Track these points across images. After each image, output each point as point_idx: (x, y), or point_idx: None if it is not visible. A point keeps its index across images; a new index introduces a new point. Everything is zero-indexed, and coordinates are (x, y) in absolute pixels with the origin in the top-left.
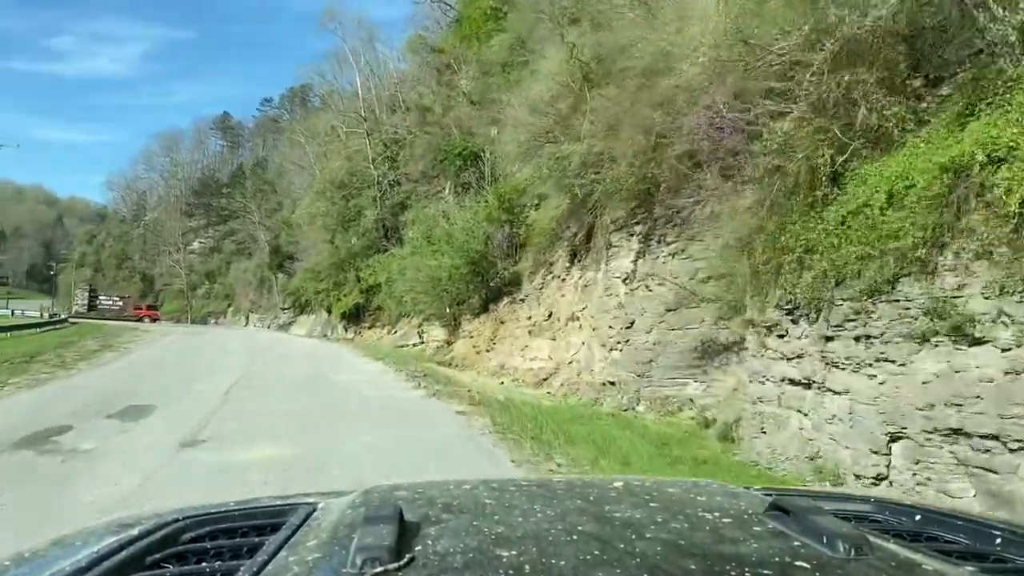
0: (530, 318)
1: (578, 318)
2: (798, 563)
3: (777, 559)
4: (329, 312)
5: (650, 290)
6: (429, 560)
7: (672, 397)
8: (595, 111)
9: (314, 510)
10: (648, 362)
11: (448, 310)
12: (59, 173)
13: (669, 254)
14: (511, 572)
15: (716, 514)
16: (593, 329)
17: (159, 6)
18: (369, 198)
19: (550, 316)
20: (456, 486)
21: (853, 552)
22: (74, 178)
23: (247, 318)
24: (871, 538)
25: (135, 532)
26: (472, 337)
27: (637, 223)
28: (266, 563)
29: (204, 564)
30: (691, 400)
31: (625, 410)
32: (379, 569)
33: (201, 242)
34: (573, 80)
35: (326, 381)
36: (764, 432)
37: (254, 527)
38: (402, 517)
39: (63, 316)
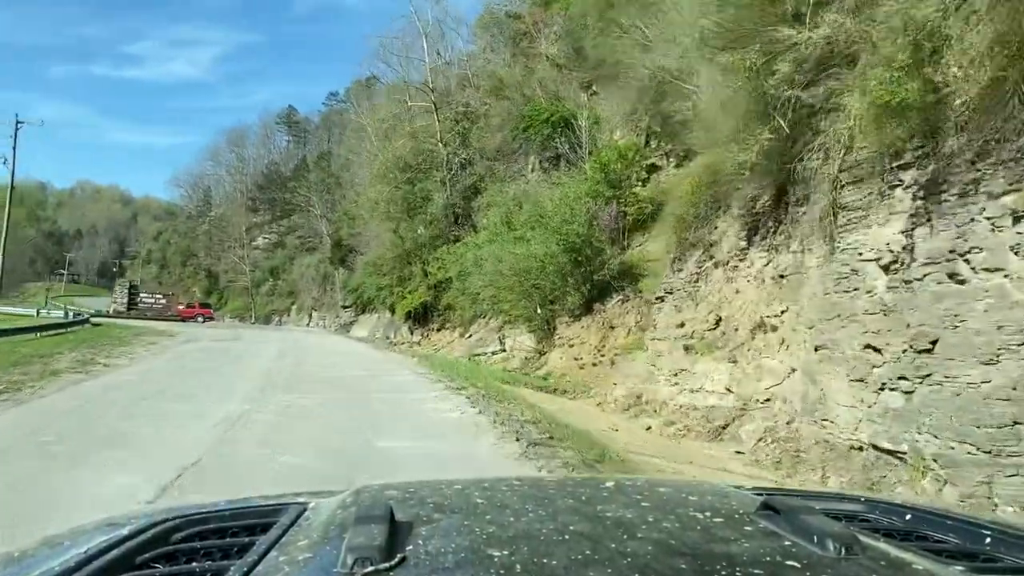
0: (682, 325)
1: (775, 327)
2: (788, 562)
3: (768, 558)
4: (392, 312)
5: (961, 281)
6: (420, 560)
7: None
8: None
9: (305, 510)
10: (1008, 425)
11: (539, 311)
12: (136, 173)
13: (1000, 215)
14: (503, 572)
15: (707, 514)
16: (816, 348)
17: (232, 11)
18: (437, 181)
19: (718, 323)
20: (447, 486)
21: (843, 551)
22: (150, 178)
23: (310, 316)
24: (861, 537)
25: (125, 532)
26: (572, 346)
27: (906, 165)
28: (256, 563)
29: (194, 564)
30: None
31: None
32: (370, 569)
33: (265, 237)
34: None
35: (369, 455)
36: None
37: (245, 527)
38: (393, 517)
39: (86, 316)
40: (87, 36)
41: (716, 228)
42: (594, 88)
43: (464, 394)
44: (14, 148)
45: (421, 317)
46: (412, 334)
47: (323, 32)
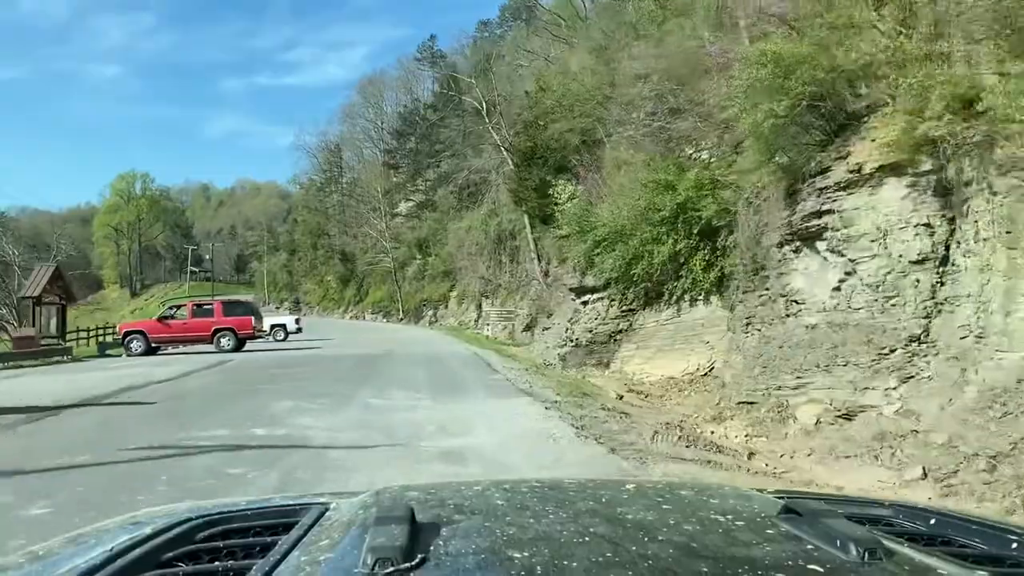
0: None
1: None
2: (811, 566)
3: (790, 562)
4: None
5: None
6: (441, 561)
7: None
8: None
9: (326, 510)
10: None
11: None
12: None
13: None
14: (523, 573)
15: (729, 517)
16: None
17: (378, 9)
18: None
19: None
20: (468, 487)
21: (866, 555)
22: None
23: (479, 310)
24: (885, 542)
25: (148, 530)
26: None
27: None
28: (278, 562)
29: (217, 563)
30: None
31: None
32: (391, 569)
33: (409, 199)
34: None
35: None
36: None
37: (267, 526)
38: (414, 518)
39: None
40: (249, 49)
41: None
42: None
43: None
44: None
45: None
46: None
47: (470, 21)
